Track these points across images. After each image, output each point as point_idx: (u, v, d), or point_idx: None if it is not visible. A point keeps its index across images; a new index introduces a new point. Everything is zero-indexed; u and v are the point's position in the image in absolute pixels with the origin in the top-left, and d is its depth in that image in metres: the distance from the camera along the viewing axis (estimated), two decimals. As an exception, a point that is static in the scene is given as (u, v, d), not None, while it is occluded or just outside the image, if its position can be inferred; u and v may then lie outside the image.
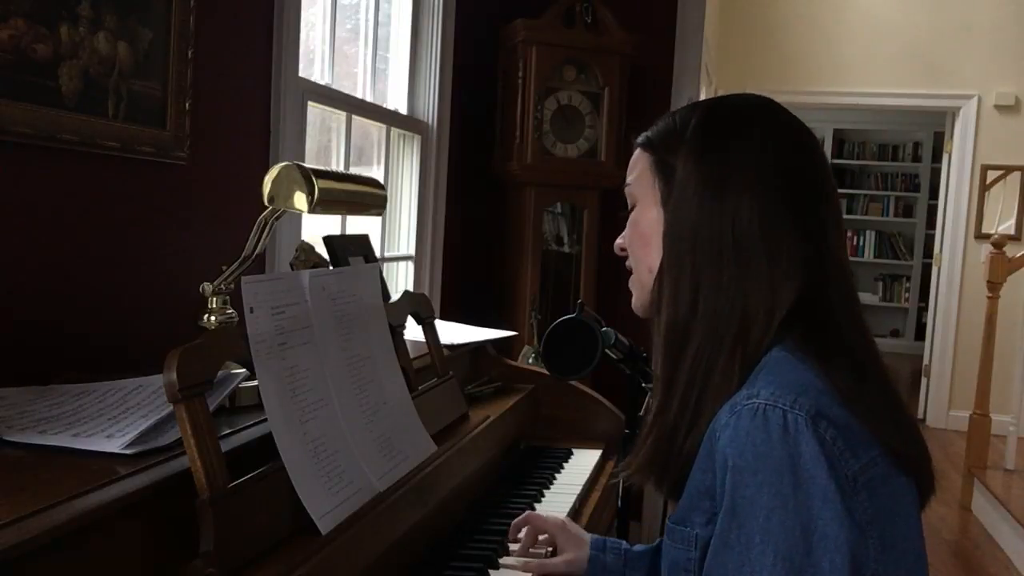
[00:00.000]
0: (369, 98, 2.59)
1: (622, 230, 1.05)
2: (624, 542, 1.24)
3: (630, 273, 1.05)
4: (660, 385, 0.96)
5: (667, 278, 0.95)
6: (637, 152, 1.03)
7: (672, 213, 0.96)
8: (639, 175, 1.01)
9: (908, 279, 9.03)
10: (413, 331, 1.55)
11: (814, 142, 0.98)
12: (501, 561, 1.27)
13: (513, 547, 1.30)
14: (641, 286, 1.02)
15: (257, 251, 1.22)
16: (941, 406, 5.96)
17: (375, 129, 2.66)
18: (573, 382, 2.01)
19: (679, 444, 0.91)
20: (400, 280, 2.84)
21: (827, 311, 0.91)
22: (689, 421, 0.91)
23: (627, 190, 1.04)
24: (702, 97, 3.87)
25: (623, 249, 1.06)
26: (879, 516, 0.81)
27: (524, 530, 1.30)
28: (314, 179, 1.19)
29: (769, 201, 0.91)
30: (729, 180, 0.92)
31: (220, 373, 1.01)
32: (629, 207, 1.04)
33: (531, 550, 1.28)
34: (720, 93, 1.04)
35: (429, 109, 2.86)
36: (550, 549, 1.27)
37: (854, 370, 0.87)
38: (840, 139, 8.93)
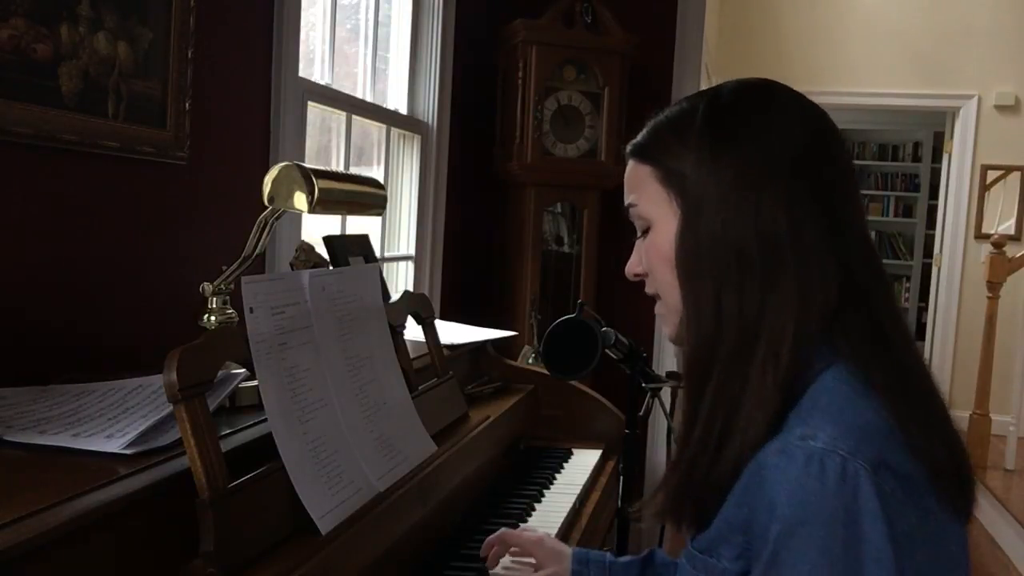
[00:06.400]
0: (369, 98, 2.59)
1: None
2: (608, 554, 1.19)
3: (654, 299, 0.95)
4: (683, 419, 0.87)
5: (686, 297, 0.86)
6: (632, 165, 0.92)
7: (686, 223, 0.85)
8: (647, 193, 0.90)
9: (908, 279, 9.02)
10: (413, 331, 1.55)
11: (826, 118, 0.88)
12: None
13: (495, 571, 1.26)
14: (677, 312, 0.89)
15: (257, 251, 1.22)
16: (941, 406, 5.95)
17: (375, 129, 2.66)
18: (573, 382, 2.01)
19: (701, 477, 0.83)
20: (400, 280, 2.84)
21: (875, 323, 0.82)
22: (712, 455, 0.82)
23: (634, 212, 0.91)
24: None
25: (638, 275, 0.95)
26: (933, 571, 0.76)
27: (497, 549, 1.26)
28: (314, 179, 1.19)
29: (794, 194, 0.82)
30: (746, 177, 0.82)
31: (220, 373, 1.00)
32: (640, 232, 0.92)
33: (513, 561, 1.26)
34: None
35: (429, 109, 2.86)
36: (533, 561, 1.23)
37: (917, 399, 0.81)
38: (840, 139, 8.92)
